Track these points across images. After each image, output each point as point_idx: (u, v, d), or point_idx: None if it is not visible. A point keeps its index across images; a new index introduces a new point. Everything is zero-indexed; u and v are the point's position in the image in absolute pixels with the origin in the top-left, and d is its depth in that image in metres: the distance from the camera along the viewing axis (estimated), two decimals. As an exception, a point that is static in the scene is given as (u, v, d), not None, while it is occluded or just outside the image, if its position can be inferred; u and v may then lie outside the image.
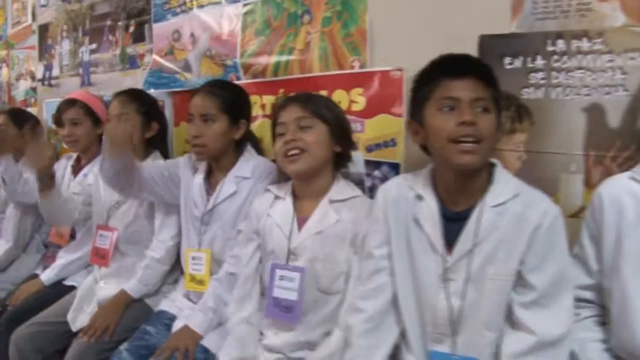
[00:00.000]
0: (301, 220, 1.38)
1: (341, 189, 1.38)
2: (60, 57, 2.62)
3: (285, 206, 1.41)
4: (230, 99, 1.64)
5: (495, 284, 1.09)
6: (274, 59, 1.78)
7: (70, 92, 2.27)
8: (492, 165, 1.15)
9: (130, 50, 2.27)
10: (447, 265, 1.12)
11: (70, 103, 2.10)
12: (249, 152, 1.70)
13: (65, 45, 2.59)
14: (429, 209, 1.16)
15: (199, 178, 1.71)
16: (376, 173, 1.63)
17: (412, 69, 1.54)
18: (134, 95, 1.90)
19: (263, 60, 1.81)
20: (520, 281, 1.08)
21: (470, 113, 1.06)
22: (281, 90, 1.78)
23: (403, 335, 1.20)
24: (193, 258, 1.67)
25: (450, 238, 1.13)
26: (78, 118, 2.08)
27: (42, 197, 1.86)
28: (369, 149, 1.62)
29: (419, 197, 1.19)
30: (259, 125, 1.83)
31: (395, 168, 1.58)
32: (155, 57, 2.13)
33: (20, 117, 2.38)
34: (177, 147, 2.10)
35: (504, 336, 1.09)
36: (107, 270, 1.87)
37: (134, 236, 1.87)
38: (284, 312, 1.36)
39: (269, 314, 1.38)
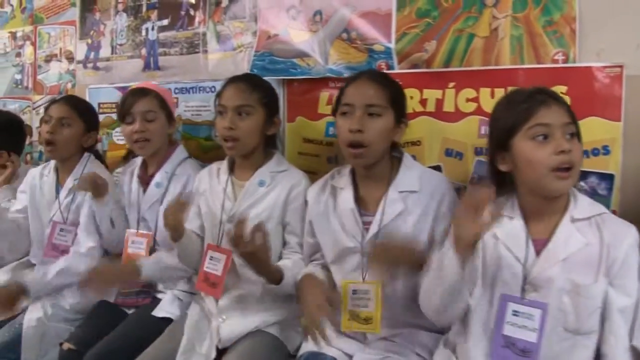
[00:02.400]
0: (536, 244, 1.15)
1: (582, 205, 1.17)
2: (113, 35, 2.18)
3: (513, 226, 1.18)
4: (397, 92, 1.39)
5: None
6: (445, 46, 1.51)
7: (138, 83, 1.91)
8: None
9: (221, 28, 1.88)
10: None
11: (142, 92, 1.73)
12: (407, 158, 1.42)
13: (121, 21, 2.16)
14: None
15: (347, 198, 1.40)
16: (581, 184, 1.39)
17: (635, 66, 1.33)
18: (255, 83, 1.55)
19: (429, 47, 1.51)
20: None
21: None
22: (451, 84, 1.51)
23: None
24: (354, 292, 1.37)
25: None
26: (154, 111, 1.72)
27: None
28: (573, 157, 1.37)
29: None
30: (417, 123, 1.53)
31: (607, 179, 1.39)
32: (262, 37, 1.76)
33: (89, 113, 1.93)
34: (291, 147, 1.76)
35: None
36: (227, 301, 1.50)
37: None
38: (518, 356, 1.12)
39: (498, 356, 1.14)
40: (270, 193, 1.51)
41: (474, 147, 1.49)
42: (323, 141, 1.71)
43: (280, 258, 1.50)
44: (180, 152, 1.79)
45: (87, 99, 2.20)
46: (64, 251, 1.80)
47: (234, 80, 1.56)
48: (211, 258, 1.53)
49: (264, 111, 1.53)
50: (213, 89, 1.90)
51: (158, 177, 1.74)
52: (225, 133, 1.50)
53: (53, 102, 1.91)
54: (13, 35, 2.52)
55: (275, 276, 1.37)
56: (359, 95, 1.34)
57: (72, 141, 1.86)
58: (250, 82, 1.55)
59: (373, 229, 1.35)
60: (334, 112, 1.40)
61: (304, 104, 1.72)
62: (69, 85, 2.33)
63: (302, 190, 1.50)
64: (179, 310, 1.64)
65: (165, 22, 2.04)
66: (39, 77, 2.43)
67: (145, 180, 1.79)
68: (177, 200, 1.44)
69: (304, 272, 1.38)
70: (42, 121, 1.89)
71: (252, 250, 1.27)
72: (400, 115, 1.37)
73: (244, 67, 1.83)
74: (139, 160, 1.85)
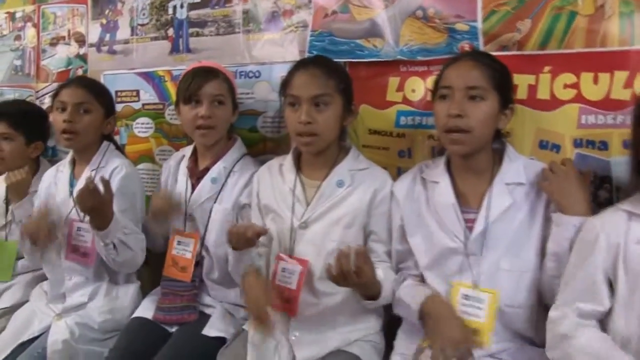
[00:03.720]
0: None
1: None
2: (133, 14, 1.95)
3: None
4: (503, 74, 1.25)
5: None
6: (542, 26, 1.35)
7: (199, 62, 1.67)
8: None
9: (267, 5, 1.68)
10: None
11: (212, 74, 1.52)
12: (510, 150, 1.30)
13: (143, -2, 1.92)
14: None
15: (445, 192, 1.25)
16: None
17: None
18: (329, 67, 1.39)
19: (523, 27, 1.36)
20: None
21: None
22: (546, 68, 1.36)
23: None
24: (466, 297, 1.22)
25: None
26: (223, 95, 1.52)
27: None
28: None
29: None
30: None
31: None
32: (318, 14, 1.58)
33: (107, 96, 1.73)
34: (354, 139, 1.57)
35: None
36: (300, 315, 1.31)
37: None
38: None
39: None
40: (351, 195, 1.33)
41: (573, 139, 1.34)
42: (393, 132, 1.53)
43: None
44: (239, 146, 1.61)
45: (102, 86, 1.98)
46: (85, 254, 1.57)
47: (303, 65, 1.37)
48: (283, 270, 1.34)
49: (342, 99, 1.36)
50: (257, 74, 1.71)
51: (214, 172, 1.54)
52: (301, 128, 1.31)
53: (63, 86, 1.68)
54: (11, 16, 2.25)
55: (374, 291, 1.21)
56: (459, 76, 1.21)
57: (92, 129, 1.65)
58: (323, 66, 1.36)
59: (478, 226, 1.21)
60: (432, 98, 1.25)
61: (370, 90, 1.54)
62: (80, 72, 2.08)
63: (389, 194, 1.33)
64: (232, 327, 1.46)
65: (197, -2, 1.82)
66: (43, 62, 2.17)
67: (195, 174, 1.58)
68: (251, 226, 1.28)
69: (427, 295, 1.20)
70: (53, 109, 1.64)
71: (364, 282, 1.13)
72: (506, 101, 1.23)
73: (295, 49, 1.65)
74: (187, 151, 1.64)
